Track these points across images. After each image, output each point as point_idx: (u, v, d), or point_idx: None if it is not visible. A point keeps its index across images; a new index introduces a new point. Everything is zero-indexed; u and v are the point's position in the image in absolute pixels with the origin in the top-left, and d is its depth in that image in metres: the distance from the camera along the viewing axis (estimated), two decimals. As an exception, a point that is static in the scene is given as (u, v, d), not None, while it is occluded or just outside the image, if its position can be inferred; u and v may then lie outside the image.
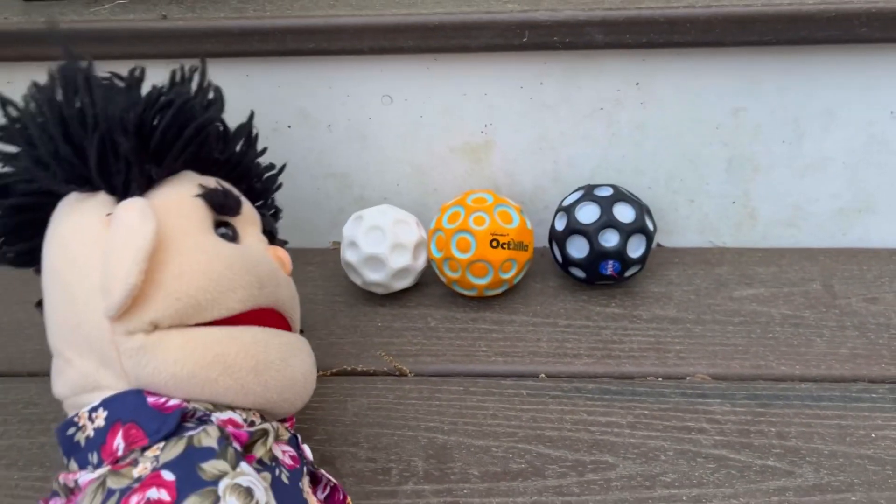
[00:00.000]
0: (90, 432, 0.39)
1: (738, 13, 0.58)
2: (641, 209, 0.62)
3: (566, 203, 0.64)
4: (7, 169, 0.46)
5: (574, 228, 0.62)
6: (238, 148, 0.51)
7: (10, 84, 0.66)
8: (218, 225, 0.45)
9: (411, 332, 0.62)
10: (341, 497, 0.46)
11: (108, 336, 0.40)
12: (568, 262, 0.64)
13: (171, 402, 0.39)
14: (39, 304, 0.49)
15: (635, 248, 0.62)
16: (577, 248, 0.62)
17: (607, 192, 0.63)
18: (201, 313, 0.41)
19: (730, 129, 0.66)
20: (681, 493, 0.48)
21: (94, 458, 0.38)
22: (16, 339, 0.63)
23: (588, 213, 0.62)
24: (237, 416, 0.41)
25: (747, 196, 0.69)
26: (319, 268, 0.70)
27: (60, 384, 0.42)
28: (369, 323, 0.64)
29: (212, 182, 0.46)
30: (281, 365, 0.43)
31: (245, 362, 0.41)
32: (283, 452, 0.42)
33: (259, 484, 0.37)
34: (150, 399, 0.39)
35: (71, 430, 0.39)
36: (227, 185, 0.48)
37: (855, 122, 0.64)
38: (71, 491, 0.39)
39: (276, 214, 0.58)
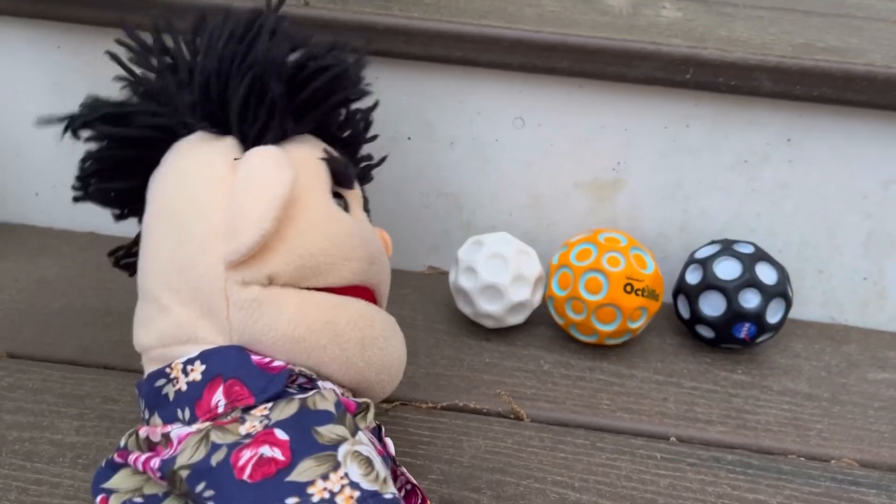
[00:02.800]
0: (182, 385, 0.36)
1: (919, 77, 0.55)
2: (783, 272, 0.58)
3: (701, 255, 0.60)
4: (128, 100, 0.44)
5: (711, 283, 0.57)
6: (356, 130, 0.49)
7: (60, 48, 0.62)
8: (333, 195, 0.42)
9: (523, 373, 0.57)
10: (419, 501, 0.40)
11: (221, 283, 0.37)
12: (697, 319, 0.59)
13: (276, 363, 0.37)
14: (114, 252, 0.48)
15: (774, 313, 0.57)
16: (712, 306, 0.58)
17: (748, 249, 0.58)
18: (317, 277, 0.39)
19: (876, 201, 0.62)
20: (851, 593, 0.42)
21: (184, 413, 0.35)
22: (91, 327, 0.57)
23: (728, 269, 0.57)
24: (336, 389, 0.38)
25: (881, 274, 0.65)
26: (416, 292, 0.65)
27: (147, 333, 0.39)
28: (476, 357, 0.58)
29: (334, 151, 0.44)
30: (384, 343, 0.41)
31: (353, 334, 0.39)
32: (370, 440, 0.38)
33: (377, 455, 0.34)
34: (254, 357, 0.37)
35: (160, 382, 0.37)
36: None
37: None
38: (153, 445, 0.35)
39: (366, 206, 0.54)
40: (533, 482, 0.47)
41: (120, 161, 0.44)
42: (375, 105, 0.49)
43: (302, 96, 0.41)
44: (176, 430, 0.35)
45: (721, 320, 0.57)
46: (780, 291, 0.57)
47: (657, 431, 0.53)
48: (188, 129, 0.42)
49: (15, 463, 0.45)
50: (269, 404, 0.35)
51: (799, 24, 0.64)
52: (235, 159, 0.39)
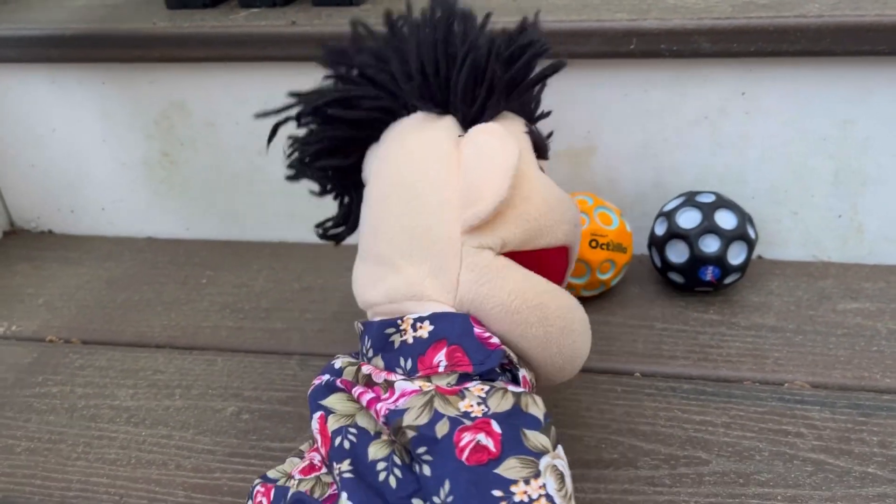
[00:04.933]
0: (409, 338, 0.41)
1: (849, 23, 0.58)
2: (743, 216, 0.63)
3: (667, 208, 0.65)
4: (354, 87, 0.47)
5: (674, 233, 0.63)
6: (536, 104, 0.52)
7: (153, 84, 0.73)
8: None
9: (509, 327, 0.64)
10: None
11: (457, 246, 0.42)
12: (667, 266, 0.64)
13: (493, 340, 0.41)
14: (322, 224, 0.53)
15: (736, 255, 0.62)
16: (677, 253, 0.63)
17: (709, 198, 0.63)
18: (539, 238, 0.43)
19: (837, 141, 0.65)
20: (776, 493, 0.47)
21: (407, 363, 0.40)
22: (145, 315, 0.69)
23: (689, 218, 0.63)
24: (529, 376, 0.43)
25: (854, 210, 0.68)
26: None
27: (376, 291, 0.44)
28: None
29: (529, 124, 0.48)
30: (577, 337, 0.44)
31: (558, 321, 0.43)
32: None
33: (568, 471, 0.37)
34: (476, 329, 0.41)
35: (389, 330, 0.42)
36: None
37: (973, 137, 0.63)
38: (371, 384, 0.41)
39: None
40: (503, 416, 0.55)
41: (341, 141, 0.48)
42: (544, 84, 0.50)
43: (509, 75, 0.44)
44: (400, 383, 0.39)
45: (686, 266, 0.63)
46: (740, 234, 0.62)
47: (623, 369, 0.59)
48: (408, 111, 0.47)
49: (82, 424, 0.57)
50: (486, 387, 0.38)
51: (754, -18, 0.68)
52: (459, 136, 0.44)
